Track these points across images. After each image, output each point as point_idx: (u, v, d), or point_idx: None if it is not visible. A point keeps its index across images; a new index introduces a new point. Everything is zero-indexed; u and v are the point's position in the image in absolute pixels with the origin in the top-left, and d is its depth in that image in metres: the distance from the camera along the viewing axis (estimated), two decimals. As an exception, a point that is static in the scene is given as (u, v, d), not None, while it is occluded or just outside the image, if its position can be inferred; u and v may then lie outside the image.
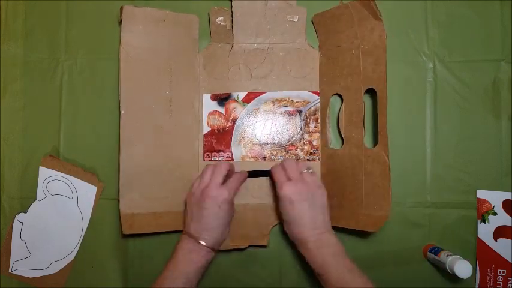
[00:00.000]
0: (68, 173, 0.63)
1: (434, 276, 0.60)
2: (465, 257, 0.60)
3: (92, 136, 0.64)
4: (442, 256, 0.56)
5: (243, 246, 0.60)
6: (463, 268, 0.53)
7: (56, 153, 0.64)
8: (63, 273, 0.63)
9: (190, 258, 0.52)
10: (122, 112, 0.59)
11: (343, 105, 0.61)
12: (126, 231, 0.58)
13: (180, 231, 0.60)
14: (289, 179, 0.54)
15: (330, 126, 0.62)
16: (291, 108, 0.63)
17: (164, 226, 0.59)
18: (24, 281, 0.63)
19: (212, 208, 0.53)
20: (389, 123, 0.54)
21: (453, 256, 0.55)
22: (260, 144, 0.63)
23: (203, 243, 0.53)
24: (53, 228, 0.63)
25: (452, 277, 0.55)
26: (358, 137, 0.58)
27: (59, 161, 0.63)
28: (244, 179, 0.60)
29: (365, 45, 0.57)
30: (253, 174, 0.61)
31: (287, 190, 0.53)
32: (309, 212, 0.52)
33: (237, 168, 0.60)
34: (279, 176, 0.55)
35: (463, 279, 0.54)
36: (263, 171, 0.60)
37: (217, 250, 0.55)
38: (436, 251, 0.58)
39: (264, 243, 0.61)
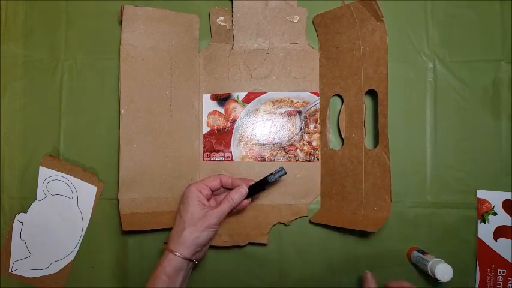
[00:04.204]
0: (68, 173, 0.63)
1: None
2: (465, 257, 0.60)
3: (92, 136, 0.64)
4: (428, 256, 0.56)
5: (242, 244, 0.60)
6: (444, 271, 0.53)
7: (56, 153, 0.63)
8: (63, 273, 0.63)
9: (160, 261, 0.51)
10: (122, 112, 0.59)
11: (343, 106, 0.61)
12: (127, 229, 0.58)
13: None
14: None
15: (329, 127, 0.62)
16: (290, 109, 0.63)
17: (164, 224, 0.59)
18: (24, 281, 0.63)
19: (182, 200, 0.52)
20: (389, 123, 0.54)
21: (436, 259, 0.55)
22: (260, 145, 0.63)
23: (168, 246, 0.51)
24: (53, 228, 0.63)
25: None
26: (358, 138, 0.58)
27: (59, 161, 0.63)
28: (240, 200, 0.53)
29: (366, 46, 0.57)
30: (253, 190, 0.55)
31: None
32: None
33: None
34: None
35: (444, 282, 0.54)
36: (262, 182, 0.54)
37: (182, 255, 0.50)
38: (422, 252, 0.58)
39: (263, 241, 0.61)
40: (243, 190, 0.53)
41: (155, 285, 0.49)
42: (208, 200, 0.54)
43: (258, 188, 0.55)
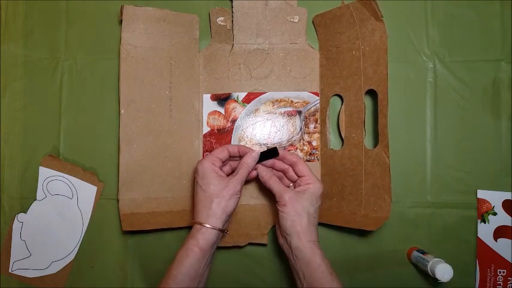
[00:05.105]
0: (68, 173, 0.63)
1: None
2: (465, 257, 0.60)
3: (92, 136, 0.64)
4: (428, 256, 0.56)
5: (242, 244, 0.60)
6: (444, 271, 0.53)
7: (56, 153, 0.63)
8: (63, 273, 0.63)
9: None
10: (122, 112, 0.59)
11: (343, 106, 0.61)
12: (126, 229, 0.58)
13: (180, 228, 0.60)
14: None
15: (329, 127, 0.62)
16: (290, 109, 0.63)
17: (164, 224, 0.59)
18: (24, 281, 0.63)
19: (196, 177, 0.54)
20: (389, 123, 0.54)
21: (436, 259, 0.55)
22: (260, 145, 0.63)
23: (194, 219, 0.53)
24: (53, 228, 0.63)
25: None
26: (358, 138, 0.58)
27: (59, 161, 0.63)
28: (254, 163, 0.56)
29: (366, 46, 0.57)
30: (263, 157, 0.57)
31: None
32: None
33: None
34: (278, 186, 0.55)
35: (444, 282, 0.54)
36: (271, 151, 0.57)
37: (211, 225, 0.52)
38: (422, 252, 0.58)
39: (263, 241, 0.61)
40: (255, 154, 0.56)
41: (187, 255, 0.50)
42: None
43: (266, 157, 0.56)
